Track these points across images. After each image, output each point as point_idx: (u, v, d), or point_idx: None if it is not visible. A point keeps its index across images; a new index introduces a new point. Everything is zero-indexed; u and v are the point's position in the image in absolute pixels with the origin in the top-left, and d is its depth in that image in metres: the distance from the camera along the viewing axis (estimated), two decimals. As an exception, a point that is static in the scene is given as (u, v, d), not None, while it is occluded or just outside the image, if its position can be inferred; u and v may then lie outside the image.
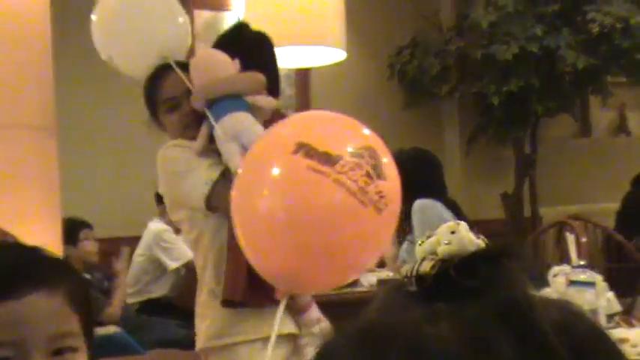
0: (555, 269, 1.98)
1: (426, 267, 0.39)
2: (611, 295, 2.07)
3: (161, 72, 1.88)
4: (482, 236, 0.41)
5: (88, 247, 3.39)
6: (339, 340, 0.39)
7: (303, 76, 4.67)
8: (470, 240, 0.40)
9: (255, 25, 1.99)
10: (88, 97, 4.25)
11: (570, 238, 1.96)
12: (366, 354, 0.37)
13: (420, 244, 0.42)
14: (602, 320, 1.94)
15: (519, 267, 0.40)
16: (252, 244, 1.45)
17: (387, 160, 1.40)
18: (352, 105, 4.44)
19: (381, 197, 1.33)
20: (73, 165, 3.82)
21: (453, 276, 0.38)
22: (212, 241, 1.79)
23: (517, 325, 0.36)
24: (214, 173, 1.75)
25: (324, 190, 1.32)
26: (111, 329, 3.19)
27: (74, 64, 4.10)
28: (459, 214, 2.83)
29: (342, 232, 1.36)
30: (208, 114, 1.75)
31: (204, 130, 1.77)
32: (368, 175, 1.33)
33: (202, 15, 4.48)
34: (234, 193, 1.47)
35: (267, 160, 1.43)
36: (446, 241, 0.40)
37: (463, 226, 0.41)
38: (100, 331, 2.95)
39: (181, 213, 1.85)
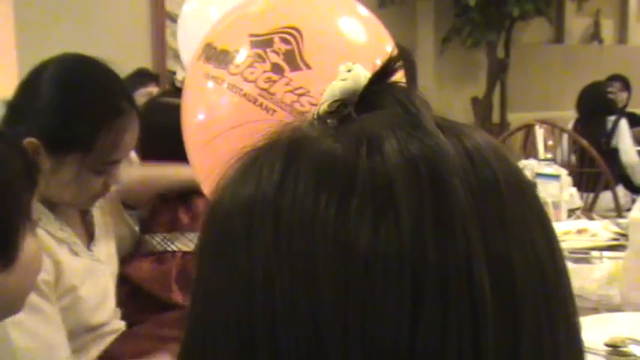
0: (522, 162, 2.02)
1: (325, 106, 0.38)
2: (574, 190, 2.13)
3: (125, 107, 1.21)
4: None
5: None
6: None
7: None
8: (365, 77, 0.38)
9: None
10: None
11: (539, 132, 1.99)
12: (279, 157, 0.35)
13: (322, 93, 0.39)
14: (564, 213, 2.00)
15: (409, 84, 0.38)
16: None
17: (324, 39, 1.02)
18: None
19: (301, 95, 0.97)
20: None
21: (351, 112, 0.37)
22: None
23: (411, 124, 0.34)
24: None
25: (220, 100, 1.03)
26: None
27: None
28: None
29: None
30: None
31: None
32: (275, 68, 0.98)
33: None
34: None
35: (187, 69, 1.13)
36: (342, 78, 0.38)
37: (359, 65, 0.39)
38: None
39: None
